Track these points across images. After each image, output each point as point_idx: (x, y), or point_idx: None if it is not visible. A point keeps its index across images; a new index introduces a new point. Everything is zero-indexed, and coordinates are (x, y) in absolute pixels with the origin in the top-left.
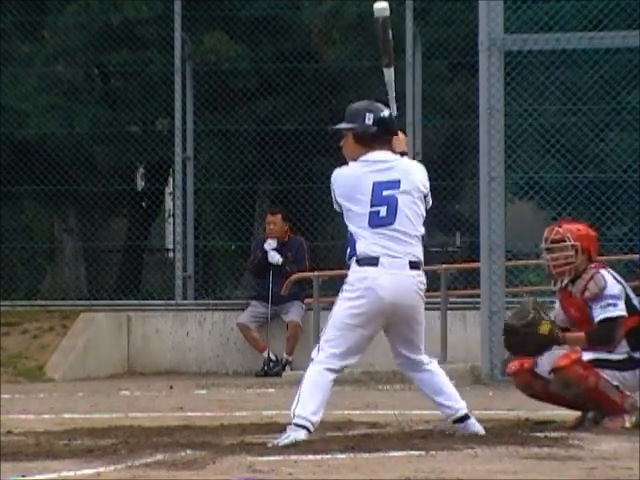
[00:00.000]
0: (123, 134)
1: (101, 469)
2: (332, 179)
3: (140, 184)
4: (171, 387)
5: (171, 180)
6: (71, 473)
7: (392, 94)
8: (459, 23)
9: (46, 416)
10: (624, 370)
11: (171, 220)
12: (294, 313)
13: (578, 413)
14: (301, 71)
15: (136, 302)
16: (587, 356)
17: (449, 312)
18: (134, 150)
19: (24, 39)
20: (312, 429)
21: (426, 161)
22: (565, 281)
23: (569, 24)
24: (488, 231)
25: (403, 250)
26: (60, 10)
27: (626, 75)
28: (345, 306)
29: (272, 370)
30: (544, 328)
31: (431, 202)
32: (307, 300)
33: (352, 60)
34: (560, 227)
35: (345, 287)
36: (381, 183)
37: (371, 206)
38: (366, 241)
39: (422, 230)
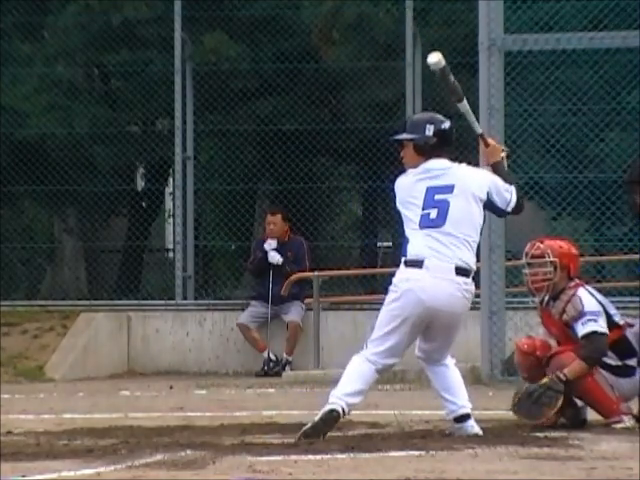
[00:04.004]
0: (123, 134)
1: (101, 469)
2: (395, 188)
3: (140, 184)
4: (171, 387)
5: (171, 180)
6: (71, 473)
7: (471, 118)
8: (459, 23)
9: (46, 416)
10: (620, 376)
11: (171, 220)
12: (294, 313)
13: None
14: (301, 71)
15: (136, 302)
16: None
17: None
18: (134, 150)
19: (24, 39)
20: (346, 409)
21: None
22: (543, 297)
23: (569, 24)
24: (488, 231)
25: (451, 254)
26: (60, 10)
27: (626, 75)
28: (388, 307)
29: (272, 370)
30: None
31: (511, 202)
32: (307, 300)
33: (352, 60)
34: (542, 243)
35: (390, 288)
36: (434, 188)
37: (422, 209)
38: (415, 242)
39: (476, 237)
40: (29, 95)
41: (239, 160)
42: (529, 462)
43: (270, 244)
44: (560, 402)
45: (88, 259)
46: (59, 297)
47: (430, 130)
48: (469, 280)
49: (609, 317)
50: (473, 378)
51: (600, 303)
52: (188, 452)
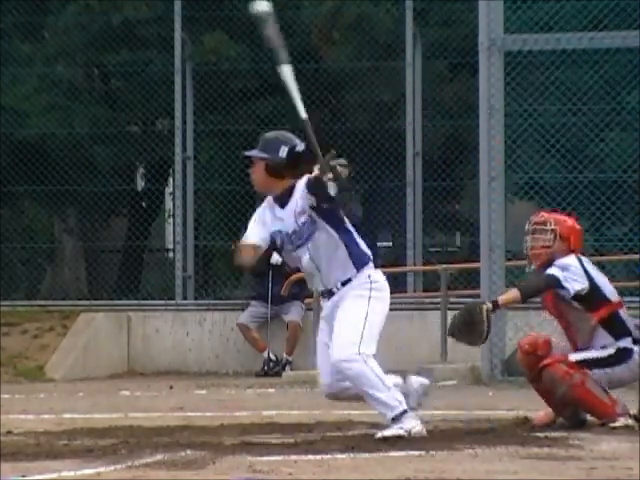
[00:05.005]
0: (123, 134)
1: (101, 469)
2: None
3: (140, 184)
4: (171, 387)
5: (171, 180)
6: (71, 473)
7: (294, 94)
8: (459, 23)
9: (46, 416)
10: (614, 365)
11: (171, 220)
12: (294, 313)
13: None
14: (301, 71)
15: (136, 302)
16: (575, 357)
17: (449, 312)
18: (134, 150)
19: (24, 39)
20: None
21: (426, 161)
22: (540, 266)
23: (569, 24)
24: (488, 231)
25: None
26: (60, 10)
27: (626, 75)
28: (382, 307)
29: (272, 370)
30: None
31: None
32: (307, 300)
33: (352, 60)
34: (547, 213)
35: (374, 286)
36: None
37: None
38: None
39: None
40: (29, 95)
41: (239, 160)
42: (529, 462)
43: None
44: (485, 315)
45: (88, 259)
46: (59, 297)
47: (284, 152)
48: None
49: (597, 290)
50: (473, 378)
51: (587, 272)
52: (188, 452)
